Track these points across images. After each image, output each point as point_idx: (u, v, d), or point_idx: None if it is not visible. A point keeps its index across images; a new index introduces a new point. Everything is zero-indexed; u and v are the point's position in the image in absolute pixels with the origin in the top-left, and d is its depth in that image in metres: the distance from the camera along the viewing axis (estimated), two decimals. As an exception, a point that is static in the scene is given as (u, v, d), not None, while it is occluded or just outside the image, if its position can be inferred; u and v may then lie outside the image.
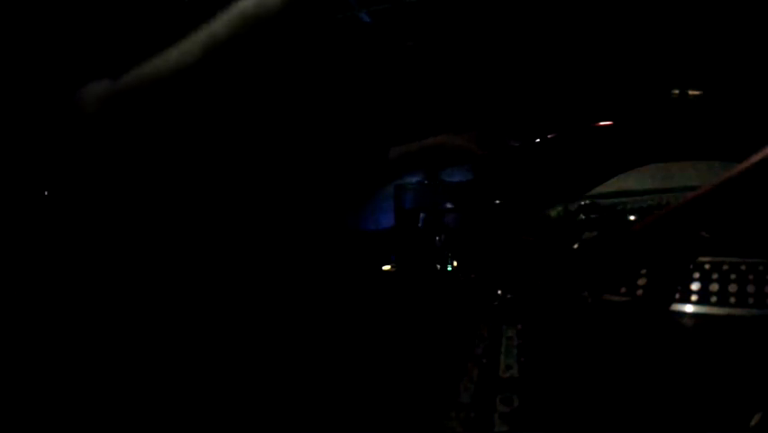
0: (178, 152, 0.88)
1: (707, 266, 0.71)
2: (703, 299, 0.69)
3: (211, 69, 0.76)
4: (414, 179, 1.14)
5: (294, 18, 0.78)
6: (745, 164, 0.57)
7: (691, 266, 0.71)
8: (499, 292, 0.89)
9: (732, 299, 0.68)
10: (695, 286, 0.70)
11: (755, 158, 0.56)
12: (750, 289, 0.68)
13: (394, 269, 1.16)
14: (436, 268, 1.05)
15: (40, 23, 0.82)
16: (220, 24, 0.77)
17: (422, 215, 1.08)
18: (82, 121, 0.76)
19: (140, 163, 0.83)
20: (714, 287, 0.69)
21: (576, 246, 0.80)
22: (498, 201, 1.06)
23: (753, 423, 0.60)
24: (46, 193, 0.99)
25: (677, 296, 0.70)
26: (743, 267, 0.69)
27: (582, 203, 0.84)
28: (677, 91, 1.24)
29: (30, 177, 1.00)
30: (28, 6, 0.82)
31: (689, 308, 0.69)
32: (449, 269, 1.04)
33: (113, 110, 0.75)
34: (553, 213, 0.91)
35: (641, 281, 0.73)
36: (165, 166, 0.91)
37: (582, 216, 0.83)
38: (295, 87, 1.28)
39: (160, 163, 0.88)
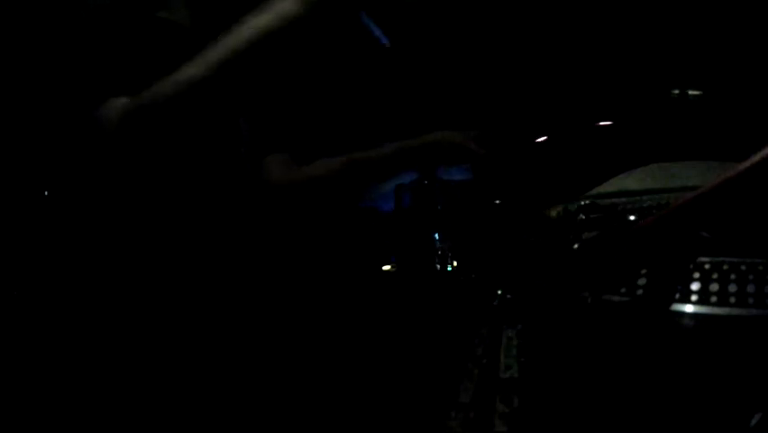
0: (183, 154, 0.92)
1: (707, 266, 0.71)
2: (703, 299, 0.69)
3: (227, 79, 0.83)
4: (413, 178, 1.14)
5: (310, 26, 0.84)
6: (745, 164, 0.56)
7: (691, 266, 0.71)
8: (499, 292, 0.89)
9: (732, 299, 0.68)
10: (695, 286, 0.70)
11: (755, 158, 0.56)
12: (750, 289, 0.68)
13: (394, 269, 1.16)
14: (436, 268, 1.05)
15: (63, 50, 0.90)
16: (236, 39, 0.82)
17: (421, 214, 1.08)
18: (104, 131, 0.83)
19: (150, 167, 0.89)
20: (714, 287, 0.69)
21: (576, 246, 0.80)
22: (498, 201, 1.06)
23: (753, 423, 0.60)
24: (46, 193, 0.99)
25: (677, 296, 0.70)
26: (743, 267, 0.69)
27: (582, 203, 0.84)
28: (677, 91, 1.24)
29: (30, 177, 1.00)
30: (52, 35, 0.92)
31: (689, 308, 0.69)
32: (449, 269, 1.04)
33: (133, 122, 0.82)
34: (553, 213, 0.91)
35: (641, 281, 0.73)
36: (167, 168, 0.93)
37: (582, 216, 0.83)
38: (296, 85, 1.29)
39: (164, 166, 0.91)
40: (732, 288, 0.68)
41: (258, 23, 0.82)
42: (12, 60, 0.98)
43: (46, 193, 1.00)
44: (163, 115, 0.82)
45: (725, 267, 0.70)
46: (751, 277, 0.68)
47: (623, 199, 0.87)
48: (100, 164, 0.86)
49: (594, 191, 0.94)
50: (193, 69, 0.82)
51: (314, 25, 0.84)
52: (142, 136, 0.83)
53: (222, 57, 0.82)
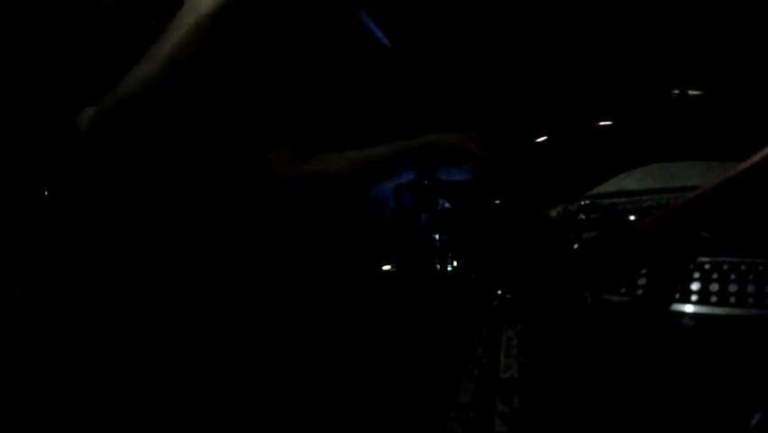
0: (166, 154, 0.93)
1: (707, 266, 0.71)
2: (703, 299, 0.69)
3: (177, 76, 0.83)
4: (412, 178, 1.14)
5: (236, 19, 0.83)
6: (745, 164, 0.56)
7: (691, 266, 0.71)
8: (499, 292, 0.89)
9: (732, 299, 0.68)
10: (695, 286, 0.70)
11: (755, 158, 0.56)
12: (750, 289, 0.68)
13: (394, 269, 1.16)
14: (436, 268, 1.04)
15: (54, 56, 0.94)
16: (176, 33, 0.82)
17: (422, 215, 1.08)
18: (80, 140, 0.87)
19: (151, 165, 0.91)
20: (714, 287, 0.69)
21: (576, 246, 0.80)
22: (498, 201, 1.06)
23: (753, 423, 0.60)
24: (46, 193, 0.99)
25: (677, 296, 0.70)
26: (743, 267, 0.69)
27: (582, 203, 0.84)
28: (677, 91, 1.24)
29: (30, 177, 1.00)
30: (46, 42, 0.95)
31: (689, 308, 0.69)
32: (449, 269, 1.04)
33: (98, 127, 0.85)
34: (553, 213, 0.91)
35: (641, 281, 0.73)
36: (169, 166, 0.94)
37: (582, 216, 0.83)
38: (295, 85, 1.29)
39: (165, 163, 0.92)
40: (732, 288, 0.68)
41: (183, 20, 0.82)
42: (9, 63, 0.99)
43: (46, 193, 1.00)
44: (125, 116, 0.83)
45: (725, 267, 0.70)
46: (751, 277, 0.68)
47: (623, 199, 0.87)
48: (81, 167, 0.89)
49: (594, 191, 0.94)
50: (143, 68, 0.82)
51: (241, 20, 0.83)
52: (111, 138, 0.84)
53: (167, 52, 0.81)
